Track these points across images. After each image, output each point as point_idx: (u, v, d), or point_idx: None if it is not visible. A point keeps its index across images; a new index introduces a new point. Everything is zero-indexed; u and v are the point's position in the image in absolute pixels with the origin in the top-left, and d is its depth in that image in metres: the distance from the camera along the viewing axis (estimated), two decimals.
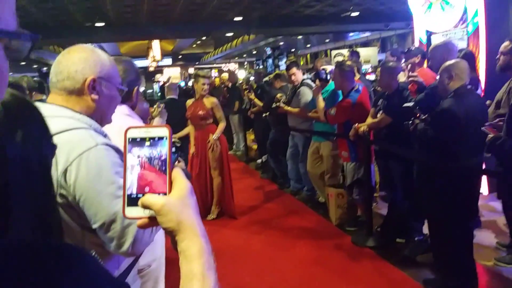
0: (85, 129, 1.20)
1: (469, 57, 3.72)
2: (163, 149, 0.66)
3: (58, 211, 0.68)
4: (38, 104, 0.75)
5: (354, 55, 5.82)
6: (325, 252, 3.77)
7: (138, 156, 0.66)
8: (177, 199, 0.65)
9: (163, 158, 0.66)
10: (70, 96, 1.23)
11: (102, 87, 1.26)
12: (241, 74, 16.83)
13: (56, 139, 0.74)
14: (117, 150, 1.21)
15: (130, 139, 0.66)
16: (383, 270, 3.34)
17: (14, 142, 0.60)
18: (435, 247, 3.10)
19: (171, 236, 0.65)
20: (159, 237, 1.80)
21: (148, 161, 0.66)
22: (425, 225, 3.44)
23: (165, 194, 0.65)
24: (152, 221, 0.65)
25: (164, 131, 0.66)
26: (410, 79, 3.59)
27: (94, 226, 1.14)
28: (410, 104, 3.07)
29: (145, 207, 0.64)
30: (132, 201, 0.66)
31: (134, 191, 0.66)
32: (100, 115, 1.29)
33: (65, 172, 1.14)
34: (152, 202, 0.64)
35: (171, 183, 0.66)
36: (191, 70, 24.21)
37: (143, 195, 0.65)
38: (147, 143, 0.66)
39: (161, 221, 0.64)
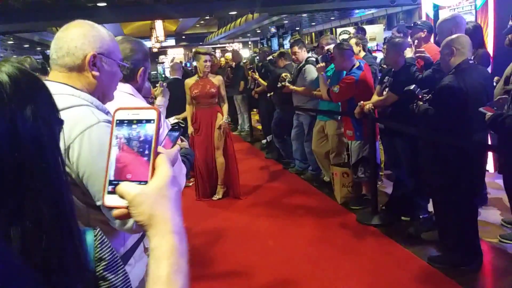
0: (86, 106, 1.19)
1: (478, 30, 3.64)
2: (150, 133, 0.60)
3: (69, 186, 0.66)
4: None
5: (360, 31, 5.70)
6: (330, 230, 3.79)
7: (123, 139, 0.61)
8: (153, 190, 0.59)
9: (148, 142, 0.60)
10: (71, 73, 1.22)
11: (103, 63, 1.24)
12: (245, 54, 16.65)
13: None
14: None
15: (118, 121, 0.62)
16: (388, 248, 3.36)
17: (25, 118, 0.59)
18: (440, 224, 3.10)
19: (144, 231, 0.59)
20: None
21: (132, 146, 0.60)
22: (430, 203, 3.43)
23: (146, 182, 0.59)
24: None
25: (153, 114, 0.61)
26: (417, 54, 3.52)
27: (98, 203, 1.14)
28: (411, 87, 3.02)
29: (120, 196, 0.59)
30: (113, 188, 0.60)
31: (116, 177, 0.60)
32: (102, 92, 1.27)
33: (67, 149, 1.13)
34: (125, 191, 0.58)
35: (153, 170, 0.60)
36: None
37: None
38: (134, 126, 0.61)
39: (132, 213, 0.58)
